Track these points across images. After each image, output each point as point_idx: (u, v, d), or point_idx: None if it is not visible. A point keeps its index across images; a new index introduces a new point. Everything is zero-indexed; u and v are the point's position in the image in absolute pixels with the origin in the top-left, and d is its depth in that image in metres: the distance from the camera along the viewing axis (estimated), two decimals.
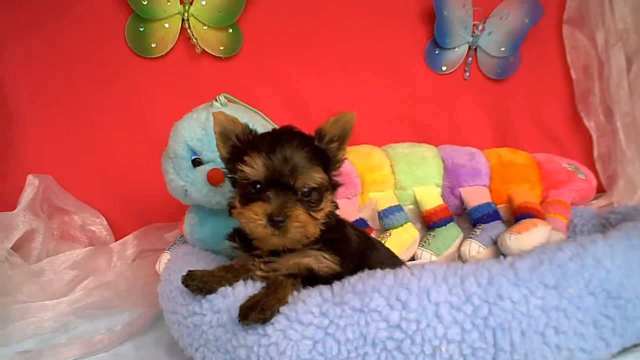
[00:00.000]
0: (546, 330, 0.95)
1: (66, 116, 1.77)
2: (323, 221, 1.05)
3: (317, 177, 1.01)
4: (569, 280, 0.97)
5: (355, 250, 1.14)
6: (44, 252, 1.61)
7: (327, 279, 1.03)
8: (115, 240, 1.75)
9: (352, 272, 1.04)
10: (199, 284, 1.02)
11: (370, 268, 1.05)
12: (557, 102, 2.11)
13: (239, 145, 1.05)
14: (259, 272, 1.06)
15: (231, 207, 1.08)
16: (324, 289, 0.99)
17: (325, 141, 1.06)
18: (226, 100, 1.35)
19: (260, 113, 1.38)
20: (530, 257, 1.01)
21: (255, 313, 0.92)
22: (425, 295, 0.93)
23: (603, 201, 2.01)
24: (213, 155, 1.29)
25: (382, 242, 1.61)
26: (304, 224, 0.99)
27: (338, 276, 1.04)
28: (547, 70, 2.10)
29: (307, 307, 0.95)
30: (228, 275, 1.05)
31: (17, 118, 1.72)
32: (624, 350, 1.06)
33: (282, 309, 0.95)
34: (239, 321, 0.93)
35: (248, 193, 1.01)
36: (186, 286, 1.02)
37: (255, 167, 0.98)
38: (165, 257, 1.43)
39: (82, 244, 1.69)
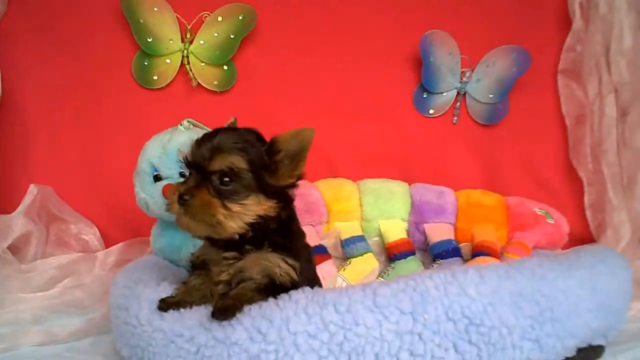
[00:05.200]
0: (400, 353, 0.99)
1: (72, 134, 2.00)
2: (250, 220, 1.05)
3: (229, 162, 1.02)
4: (427, 306, 1.01)
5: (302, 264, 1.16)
6: (39, 255, 1.81)
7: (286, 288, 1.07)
8: None
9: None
10: (175, 308, 1.08)
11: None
12: (549, 150, 2.12)
13: None
14: (224, 277, 1.09)
15: None
16: (202, 312, 1.04)
17: (274, 149, 1.07)
18: (189, 125, 1.50)
19: None
20: (396, 284, 1.05)
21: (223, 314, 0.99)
22: (285, 325, 0.98)
23: None
24: (170, 172, 1.44)
25: (343, 269, 1.71)
26: (206, 204, 1.02)
27: (294, 286, 1.08)
28: (540, 118, 2.12)
29: (182, 327, 1.02)
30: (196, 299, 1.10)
31: (27, 132, 1.96)
32: None
33: (164, 324, 1.04)
34: (212, 316, 0.99)
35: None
36: (164, 311, 1.08)
37: (187, 153, 1.06)
38: None
39: (75, 250, 1.87)
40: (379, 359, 0.99)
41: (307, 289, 1.07)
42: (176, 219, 1.07)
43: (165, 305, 1.08)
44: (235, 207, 1.04)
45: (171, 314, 1.07)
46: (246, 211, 1.05)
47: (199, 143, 1.06)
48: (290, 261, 1.09)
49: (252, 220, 1.06)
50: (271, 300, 1.04)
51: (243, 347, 0.98)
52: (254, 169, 1.04)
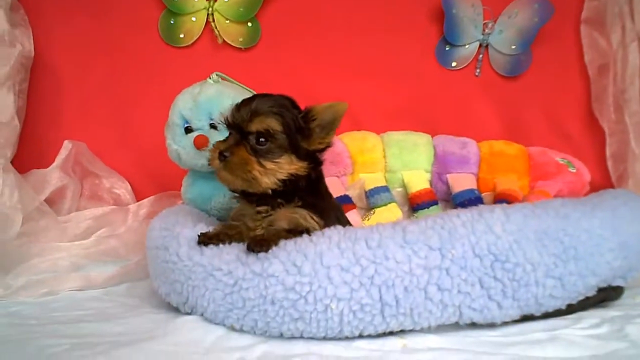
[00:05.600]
0: (428, 287, 1.05)
1: (103, 92, 2.05)
2: (282, 177, 1.16)
3: (266, 124, 1.13)
4: (455, 243, 1.06)
5: (333, 219, 1.26)
6: (74, 208, 1.88)
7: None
8: None
9: None
10: (215, 242, 1.17)
11: None
12: (572, 100, 2.12)
13: None
14: (259, 231, 1.18)
15: None
16: (240, 248, 1.12)
17: (309, 116, 1.18)
18: (218, 78, 1.54)
19: (251, 90, 1.55)
20: (424, 222, 1.11)
21: (258, 247, 1.08)
22: (319, 259, 1.05)
23: None
24: (200, 124, 1.49)
25: (367, 219, 1.76)
26: (244, 161, 1.14)
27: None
28: (562, 69, 2.12)
29: (220, 262, 1.10)
30: (235, 234, 1.20)
31: (62, 92, 2.02)
32: (530, 319, 1.12)
33: (204, 259, 1.12)
34: (247, 249, 1.09)
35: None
36: (205, 244, 1.17)
37: (228, 114, 1.18)
38: None
39: (107, 204, 1.94)
40: (408, 292, 1.04)
41: (339, 226, 1.14)
42: (216, 173, 1.18)
43: (205, 238, 1.17)
44: (269, 165, 1.15)
45: (210, 250, 1.15)
46: (279, 169, 1.16)
47: (239, 106, 1.17)
48: (316, 218, 1.19)
49: (284, 178, 1.17)
50: (305, 236, 1.11)
51: (279, 279, 1.04)
52: (287, 132, 1.16)
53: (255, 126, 1.14)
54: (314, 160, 1.22)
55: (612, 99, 2.05)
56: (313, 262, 1.04)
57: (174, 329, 1.11)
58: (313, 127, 1.19)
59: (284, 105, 1.18)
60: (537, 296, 1.09)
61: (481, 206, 1.14)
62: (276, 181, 1.16)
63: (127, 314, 1.27)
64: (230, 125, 1.18)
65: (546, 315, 1.13)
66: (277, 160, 1.16)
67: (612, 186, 2.06)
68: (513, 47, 2.07)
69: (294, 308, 1.04)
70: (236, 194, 1.27)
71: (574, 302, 1.14)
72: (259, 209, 1.20)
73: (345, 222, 1.35)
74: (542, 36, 2.06)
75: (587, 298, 1.16)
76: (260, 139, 1.15)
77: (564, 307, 1.13)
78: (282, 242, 1.10)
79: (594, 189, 1.89)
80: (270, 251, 1.08)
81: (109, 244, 1.69)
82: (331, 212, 1.28)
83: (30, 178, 1.84)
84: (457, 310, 1.07)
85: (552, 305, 1.11)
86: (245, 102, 1.18)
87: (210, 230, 1.21)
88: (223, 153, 1.14)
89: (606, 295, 1.21)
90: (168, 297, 1.23)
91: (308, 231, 1.16)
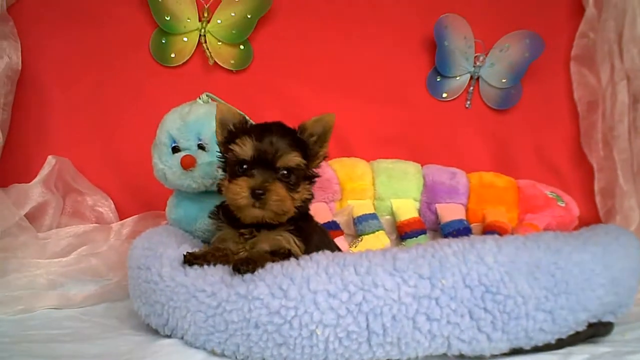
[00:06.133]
0: (417, 317, 1.02)
1: (90, 108, 2.03)
2: (299, 204, 1.19)
3: (296, 159, 1.16)
4: (445, 272, 1.04)
5: (316, 242, 1.27)
6: (55, 224, 1.84)
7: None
8: None
9: None
10: (201, 262, 1.15)
11: None
12: (561, 135, 2.14)
13: (234, 130, 1.22)
14: (242, 253, 1.18)
15: (220, 186, 1.26)
16: (225, 270, 1.10)
17: (305, 135, 1.21)
18: (208, 99, 1.53)
19: (240, 112, 1.54)
20: (415, 250, 1.09)
21: (244, 266, 1.06)
22: (306, 284, 1.02)
23: None
24: (188, 144, 1.47)
25: (354, 246, 1.74)
26: (282, 198, 1.14)
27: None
28: (551, 104, 2.14)
29: (204, 283, 1.08)
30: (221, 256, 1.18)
31: (48, 107, 2.00)
32: (520, 352, 1.10)
33: (187, 280, 1.10)
34: (233, 269, 1.07)
35: (235, 171, 1.18)
36: (190, 264, 1.14)
37: (244, 148, 1.15)
38: None
39: (90, 222, 1.90)
40: (396, 320, 1.01)
41: (328, 251, 1.12)
42: (245, 210, 1.15)
43: (191, 257, 1.15)
44: (295, 196, 1.19)
45: (194, 270, 1.12)
46: (300, 198, 1.21)
47: (259, 138, 1.15)
48: (298, 242, 1.20)
49: (300, 205, 1.21)
50: (293, 260, 1.09)
51: (264, 302, 1.01)
52: (306, 162, 1.19)
53: (285, 162, 1.16)
54: (311, 182, 1.25)
55: (600, 135, 2.06)
56: (300, 286, 1.01)
57: (152, 352, 1.08)
58: (311, 145, 1.21)
59: (294, 134, 1.21)
60: (527, 329, 1.06)
61: (472, 236, 1.13)
62: (295, 210, 1.19)
63: (105, 334, 1.23)
64: (255, 159, 1.15)
65: (536, 349, 1.10)
66: (298, 190, 1.19)
67: (599, 221, 2.06)
68: (504, 80, 2.08)
69: (278, 333, 1.01)
70: (219, 220, 1.26)
71: (564, 336, 1.12)
72: (243, 231, 1.20)
73: (332, 245, 1.35)
74: (532, 71, 2.09)
75: (578, 333, 1.14)
76: (286, 173, 1.16)
77: (553, 342, 1.10)
78: (268, 265, 1.07)
79: (582, 223, 1.91)
80: (256, 273, 1.05)
81: (89, 263, 1.65)
82: (314, 235, 1.28)
83: (11, 192, 1.80)
84: (446, 341, 1.04)
85: (542, 339, 1.09)
86: (264, 134, 1.16)
87: (197, 251, 1.19)
88: (257, 192, 1.12)
89: (596, 331, 1.19)
90: (148, 319, 1.19)
91: (291, 254, 1.15)
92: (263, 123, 1.23)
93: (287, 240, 1.18)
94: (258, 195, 1.12)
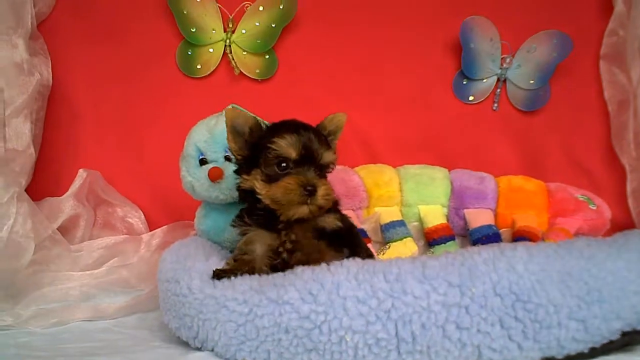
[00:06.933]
0: (447, 325, 1.01)
1: (119, 121, 2.05)
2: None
3: (332, 156, 1.25)
4: (475, 280, 1.03)
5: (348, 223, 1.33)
6: (86, 236, 1.87)
7: (334, 235, 1.23)
8: None
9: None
10: (229, 276, 1.17)
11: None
12: (591, 136, 2.09)
13: (256, 134, 1.25)
14: (287, 245, 1.21)
15: (243, 189, 1.28)
16: (253, 279, 1.12)
17: (326, 133, 1.30)
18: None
19: (252, 115, 1.55)
20: (445, 258, 1.09)
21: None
22: (336, 289, 1.03)
23: None
24: (215, 156, 1.50)
25: (382, 254, 1.73)
26: (329, 193, 1.20)
27: (340, 231, 1.24)
28: (581, 104, 2.09)
29: (235, 292, 1.10)
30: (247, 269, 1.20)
31: (78, 121, 2.03)
32: None
33: (216, 291, 1.12)
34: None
35: (274, 172, 1.20)
36: (219, 278, 1.17)
37: (289, 147, 1.18)
38: None
39: (120, 233, 1.93)
40: (425, 328, 1.01)
41: (358, 258, 1.13)
42: (294, 207, 1.19)
43: (220, 272, 1.18)
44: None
45: (222, 282, 1.14)
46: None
47: (300, 138, 1.20)
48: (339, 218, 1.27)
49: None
50: (323, 265, 1.10)
51: (294, 306, 1.03)
52: None
53: (326, 159, 1.23)
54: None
55: (632, 135, 2.01)
56: (329, 291, 1.03)
57: None
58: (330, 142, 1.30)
59: (321, 132, 1.28)
60: (560, 338, 1.04)
61: (502, 244, 1.12)
62: None
63: (137, 347, 1.25)
64: (301, 157, 1.19)
65: (568, 359, 1.08)
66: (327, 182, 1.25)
67: (632, 224, 2.01)
68: (531, 81, 2.05)
69: (308, 338, 1.02)
70: (245, 224, 1.27)
71: (597, 345, 1.09)
72: (280, 226, 1.23)
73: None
74: (560, 71, 2.05)
75: (611, 342, 1.11)
76: (327, 169, 1.26)
77: (586, 351, 1.08)
78: (298, 270, 1.10)
79: (615, 225, 1.87)
80: (286, 278, 1.08)
81: (120, 274, 1.68)
82: (346, 218, 1.34)
83: (44, 206, 1.83)
84: (476, 350, 1.03)
85: (574, 348, 1.06)
86: (302, 132, 1.21)
87: (224, 267, 1.21)
88: (309, 188, 1.16)
89: (630, 340, 1.16)
90: (178, 332, 1.21)
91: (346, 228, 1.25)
92: (285, 122, 1.28)
93: (335, 218, 1.25)
94: (311, 191, 1.16)
